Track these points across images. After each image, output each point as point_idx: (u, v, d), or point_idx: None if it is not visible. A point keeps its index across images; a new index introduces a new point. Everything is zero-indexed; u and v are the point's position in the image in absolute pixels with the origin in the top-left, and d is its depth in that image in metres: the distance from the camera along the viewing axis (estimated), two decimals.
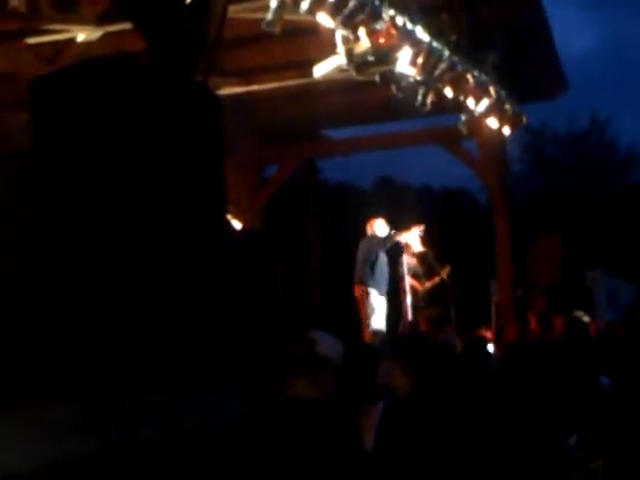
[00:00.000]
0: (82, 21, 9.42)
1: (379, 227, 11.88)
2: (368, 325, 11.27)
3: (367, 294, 11.45)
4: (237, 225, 10.13)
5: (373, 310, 11.37)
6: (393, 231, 11.82)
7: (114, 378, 3.74)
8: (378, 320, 11.34)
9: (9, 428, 3.04)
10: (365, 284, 11.48)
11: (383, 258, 11.70)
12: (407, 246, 12.32)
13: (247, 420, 3.57)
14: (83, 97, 4.44)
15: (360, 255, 11.73)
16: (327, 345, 4.15)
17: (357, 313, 11.72)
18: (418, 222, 12.24)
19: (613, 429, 3.76)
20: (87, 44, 9.84)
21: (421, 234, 11.99)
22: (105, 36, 9.69)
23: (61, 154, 4.37)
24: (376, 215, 12.15)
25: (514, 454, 3.80)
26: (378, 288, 11.49)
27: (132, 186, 4.35)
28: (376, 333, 10.68)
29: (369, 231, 11.92)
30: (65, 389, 3.60)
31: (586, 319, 9.47)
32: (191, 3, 7.26)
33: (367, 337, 10.89)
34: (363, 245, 11.80)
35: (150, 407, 3.75)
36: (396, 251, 12.22)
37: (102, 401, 3.54)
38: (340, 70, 10.68)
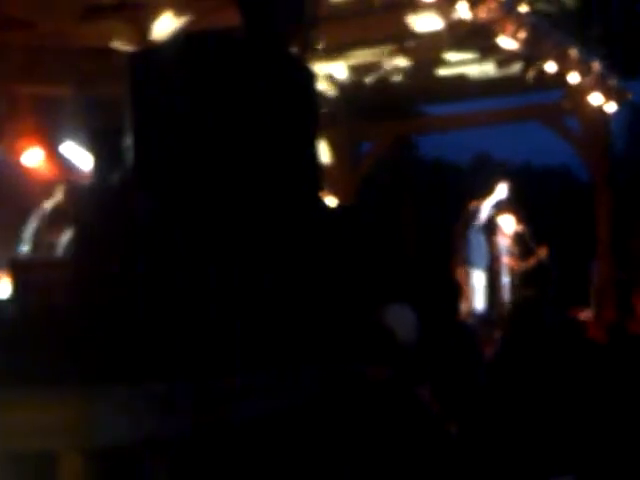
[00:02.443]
0: None
1: (477, 207, 11.75)
2: (471, 303, 11.19)
3: (468, 274, 11.37)
4: (332, 201, 10.08)
5: (475, 290, 11.29)
6: (489, 211, 11.68)
7: (211, 356, 3.71)
8: (480, 299, 11.26)
9: (111, 403, 3.07)
10: (466, 264, 11.40)
11: (480, 236, 11.59)
12: (499, 226, 12.17)
13: (330, 400, 3.53)
14: (182, 72, 4.41)
15: (458, 236, 11.63)
16: (403, 324, 4.09)
17: (452, 291, 11.57)
18: (516, 201, 12.04)
19: None
20: (179, 19, 9.85)
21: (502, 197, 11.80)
22: (197, 11, 9.69)
23: (160, 130, 4.35)
24: (475, 195, 12.00)
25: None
26: (479, 267, 11.41)
27: (230, 161, 4.30)
28: (473, 312, 10.59)
29: (466, 210, 11.79)
30: (165, 367, 3.59)
31: None
32: None
33: (464, 316, 10.78)
34: (460, 226, 11.70)
35: (245, 385, 3.71)
36: (491, 230, 12.06)
37: (197, 380, 3.52)
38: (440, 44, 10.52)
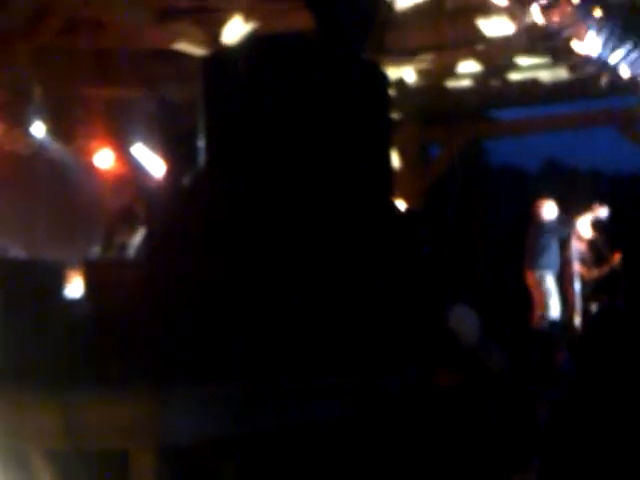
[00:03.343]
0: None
1: (548, 210, 11.61)
2: (544, 309, 11.06)
3: (543, 279, 11.25)
4: (401, 205, 10.03)
5: (550, 294, 11.18)
6: (568, 216, 11.55)
7: (287, 359, 3.71)
8: (555, 304, 11.13)
9: (182, 403, 3.10)
10: (540, 269, 11.28)
11: (555, 242, 11.47)
12: (577, 231, 12.01)
13: (400, 404, 3.51)
14: (256, 74, 4.43)
15: (532, 240, 11.51)
16: (467, 326, 4.05)
17: (523, 297, 11.50)
18: (589, 207, 11.87)
19: None
20: (249, 23, 9.88)
21: (601, 217, 11.64)
22: (266, 15, 9.71)
23: (234, 132, 4.36)
24: (544, 198, 11.87)
25: None
26: (553, 273, 11.29)
27: (304, 164, 4.30)
28: (544, 318, 10.45)
29: (538, 215, 11.66)
30: (242, 368, 3.61)
31: None
32: None
33: (535, 322, 10.67)
34: (534, 230, 11.57)
35: (322, 388, 3.71)
36: (564, 235, 11.92)
37: (275, 381, 3.52)
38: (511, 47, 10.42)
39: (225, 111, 4.41)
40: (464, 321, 4.18)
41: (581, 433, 3.62)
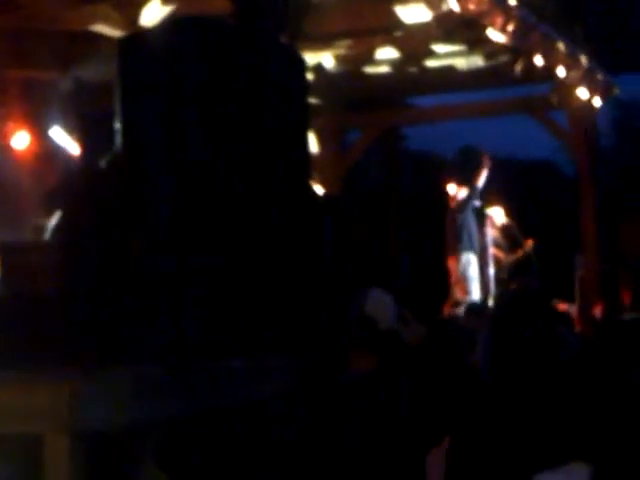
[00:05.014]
0: None
1: (461, 194, 11.80)
2: (467, 293, 11.21)
3: (468, 263, 11.41)
4: (319, 190, 10.07)
5: (472, 278, 11.34)
6: (473, 194, 11.75)
7: (197, 340, 3.71)
8: (476, 288, 11.31)
9: (96, 386, 3.07)
10: (465, 253, 11.44)
11: (474, 225, 11.65)
12: (490, 217, 12.23)
13: (313, 390, 3.54)
14: (174, 56, 4.39)
15: (451, 226, 11.66)
16: (382, 310, 4.10)
17: (442, 282, 11.67)
18: (501, 194, 12.10)
19: None
20: (168, 5, 9.81)
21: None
22: None
23: (150, 114, 4.33)
24: (456, 183, 12.06)
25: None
26: (475, 255, 11.46)
27: (219, 147, 4.29)
28: (460, 303, 10.61)
29: (452, 199, 11.84)
30: (153, 350, 3.59)
31: None
32: None
33: (448, 307, 10.83)
34: (451, 216, 11.73)
35: (231, 371, 3.71)
36: (479, 222, 12.12)
37: (185, 363, 3.52)
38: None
39: (141, 93, 4.37)
40: (380, 305, 4.23)
41: (488, 413, 3.70)
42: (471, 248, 11.54)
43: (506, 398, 3.66)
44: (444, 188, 12.29)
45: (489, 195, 12.31)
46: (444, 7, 9.42)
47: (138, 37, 4.71)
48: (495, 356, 3.90)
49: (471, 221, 11.75)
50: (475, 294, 11.33)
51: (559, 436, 3.18)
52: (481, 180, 11.92)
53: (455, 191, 11.95)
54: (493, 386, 3.81)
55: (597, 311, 10.81)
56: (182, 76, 4.17)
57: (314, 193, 7.21)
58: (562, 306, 10.72)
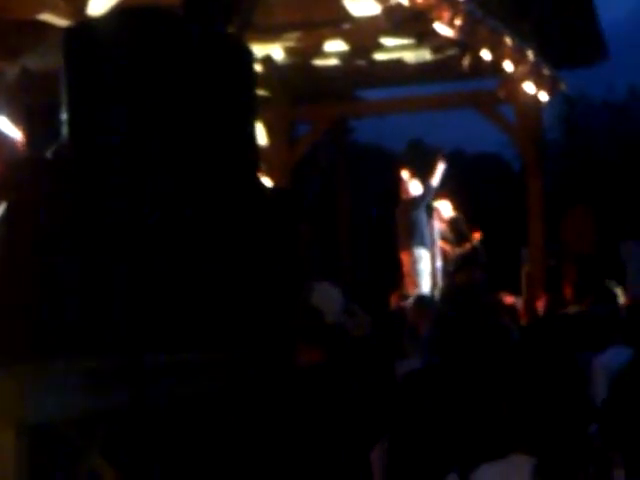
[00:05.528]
0: None
1: (414, 188, 11.85)
2: (417, 286, 11.26)
3: (420, 257, 11.46)
4: (267, 183, 10.05)
5: (423, 272, 11.39)
6: (428, 187, 11.82)
7: (137, 331, 3.69)
8: (427, 281, 11.36)
9: (42, 379, 3.05)
10: (417, 248, 11.48)
11: (424, 219, 11.71)
12: (437, 210, 12.31)
13: (255, 382, 3.54)
14: (120, 47, 4.35)
15: (402, 220, 11.70)
16: (330, 303, 4.11)
17: (389, 274, 11.73)
18: (449, 187, 12.19)
19: (633, 417, 3.67)
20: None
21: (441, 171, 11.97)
22: None
23: (96, 105, 4.29)
24: (409, 176, 12.12)
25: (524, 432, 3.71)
26: (426, 248, 11.51)
27: (163, 139, 4.26)
28: (407, 297, 10.66)
29: (406, 196, 11.89)
30: (98, 343, 3.56)
31: (617, 291, 9.34)
32: None
33: (396, 299, 10.87)
34: (402, 210, 11.77)
35: (174, 364, 3.70)
36: (427, 215, 12.19)
37: (126, 355, 3.50)
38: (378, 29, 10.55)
39: (87, 83, 4.33)
40: (326, 298, 4.24)
41: (429, 407, 3.73)
42: (423, 243, 11.59)
43: (447, 391, 3.70)
44: (396, 181, 12.34)
45: (442, 185, 12.38)
46: (392, 0, 9.45)
47: (84, 27, 4.66)
48: (439, 348, 3.93)
49: (423, 217, 11.82)
50: (425, 288, 11.38)
51: (499, 428, 3.21)
52: (436, 180, 12.00)
53: (408, 185, 12.00)
54: (435, 379, 3.84)
55: (540, 304, 10.92)
56: (127, 66, 4.14)
57: (262, 185, 7.20)
58: (509, 299, 10.81)
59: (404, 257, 11.67)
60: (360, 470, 3.92)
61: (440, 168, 12.00)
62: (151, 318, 3.74)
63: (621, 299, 10.23)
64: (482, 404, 3.60)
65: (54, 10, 10.00)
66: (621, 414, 4.39)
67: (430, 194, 11.97)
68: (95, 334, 3.54)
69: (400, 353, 4.63)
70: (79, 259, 3.71)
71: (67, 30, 4.54)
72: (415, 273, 11.47)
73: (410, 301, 8.33)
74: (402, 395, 4.20)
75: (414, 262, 11.50)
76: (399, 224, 11.83)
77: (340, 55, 12.61)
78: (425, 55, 12.23)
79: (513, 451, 3.09)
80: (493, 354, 4.07)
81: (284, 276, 5.19)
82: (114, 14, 5.95)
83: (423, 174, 12.39)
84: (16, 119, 10.28)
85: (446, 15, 9.83)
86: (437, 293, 11.19)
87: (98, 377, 3.26)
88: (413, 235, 11.57)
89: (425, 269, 11.52)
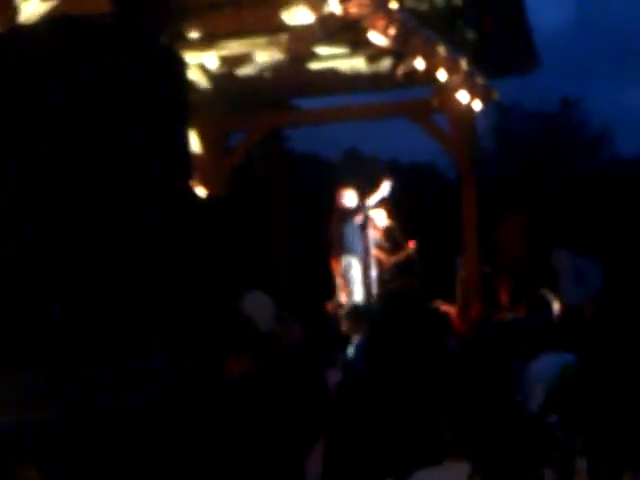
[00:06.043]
0: None
1: (349, 198, 11.88)
2: (349, 295, 11.29)
3: (349, 265, 11.48)
4: (202, 192, 9.99)
5: (354, 280, 11.42)
6: (364, 203, 11.85)
7: (69, 345, 3.63)
8: (358, 290, 11.39)
9: None
10: (346, 255, 11.51)
11: (357, 228, 11.75)
12: (372, 219, 12.34)
13: (189, 391, 3.51)
14: (52, 55, 4.30)
15: (335, 228, 11.73)
16: (262, 311, 4.10)
17: (324, 283, 11.72)
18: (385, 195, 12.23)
19: (592, 409, 3.72)
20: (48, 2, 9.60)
21: (385, 194, 12.01)
22: None
23: (21, 113, 4.23)
24: (343, 186, 12.14)
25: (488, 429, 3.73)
26: (357, 258, 11.55)
27: (94, 149, 4.22)
28: (341, 305, 10.68)
29: (339, 202, 11.91)
30: (25, 357, 3.51)
31: (551, 298, 9.44)
32: None
33: (331, 308, 10.87)
34: (337, 217, 11.80)
35: (104, 376, 3.65)
36: (362, 224, 12.21)
37: (58, 369, 3.44)
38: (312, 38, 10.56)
39: (16, 91, 4.27)
40: (258, 306, 4.22)
41: (369, 416, 3.73)
42: (353, 251, 11.63)
43: (380, 398, 3.69)
44: (332, 190, 12.35)
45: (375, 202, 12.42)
46: (326, 9, 9.47)
47: (14, 34, 4.60)
48: (370, 357, 3.93)
49: (355, 227, 11.86)
50: (357, 296, 11.42)
51: (433, 435, 3.22)
52: (374, 199, 12.05)
53: (342, 194, 12.03)
54: (367, 387, 3.84)
55: (474, 312, 11.01)
56: (56, 74, 4.09)
57: (194, 193, 7.15)
58: (444, 307, 10.86)
59: (334, 265, 11.71)
60: (294, 476, 3.91)
61: (383, 189, 12.05)
62: (83, 330, 3.69)
63: (555, 306, 10.35)
64: (416, 412, 3.60)
65: None
66: (584, 404, 4.42)
67: (365, 210, 12.01)
68: (28, 348, 3.49)
69: (330, 362, 4.62)
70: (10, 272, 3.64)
71: None
72: (347, 281, 11.51)
73: (343, 310, 8.33)
74: (337, 403, 4.19)
75: (344, 270, 11.54)
76: (331, 232, 11.85)
77: (274, 64, 12.59)
78: (359, 64, 12.27)
79: (448, 457, 3.10)
80: (427, 362, 4.07)
81: (217, 284, 5.16)
82: (45, 22, 5.88)
83: (358, 183, 12.43)
84: None
85: (380, 24, 9.86)
86: (372, 302, 11.22)
87: (33, 390, 3.21)
88: (343, 244, 11.62)
89: (356, 277, 11.56)
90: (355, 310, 7.89)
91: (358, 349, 5.33)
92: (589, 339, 4.94)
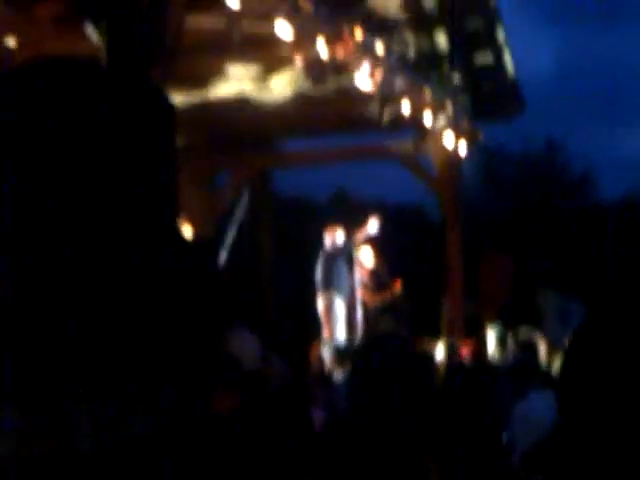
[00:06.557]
0: (36, 22, 9.30)
1: (337, 237, 11.99)
2: (331, 334, 11.35)
3: (332, 303, 11.55)
4: (189, 232, 10.06)
5: (337, 318, 11.48)
6: (351, 240, 11.96)
7: (51, 382, 3.66)
8: (341, 329, 11.44)
9: None
10: (329, 293, 11.58)
11: (343, 267, 11.83)
12: (358, 259, 12.42)
13: (170, 434, 3.55)
14: (34, 98, 4.36)
15: (321, 265, 11.81)
16: (247, 350, 4.14)
17: (312, 323, 11.77)
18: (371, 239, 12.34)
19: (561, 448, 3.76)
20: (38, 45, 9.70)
21: (371, 232, 12.12)
22: (56, 36, 9.56)
23: (7, 157, 4.27)
24: (332, 226, 12.25)
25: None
26: (342, 296, 11.61)
27: (82, 192, 4.26)
28: (325, 343, 10.75)
29: (328, 241, 12.00)
30: (7, 392, 3.53)
31: (536, 337, 9.53)
32: (148, 8, 7.19)
33: (315, 348, 10.91)
34: (324, 256, 11.88)
35: (86, 413, 3.67)
36: (348, 264, 12.30)
37: (39, 406, 3.46)
38: (297, 82, 10.67)
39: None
40: (244, 345, 4.26)
41: (350, 456, 3.75)
42: (338, 290, 11.72)
43: (365, 440, 3.73)
44: (319, 231, 12.46)
45: (367, 238, 12.53)
46: (313, 53, 9.59)
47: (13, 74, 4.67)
48: (355, 399, 3.97)
49: (341, 265, 11.95)
50: (340, 335, 11.47)
51: (419, 473, 3.26)
52: (359, 239, 12.19)
53: (331, 235, 12.15)
54: (352, 429, 3.87)
55: (465, 351, 11.06)
56: (42, 115, 4.16)
57: (181, 235, 7.20)
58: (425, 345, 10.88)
59: (319, 301, 11.79)
60: None
61: (368, 230, 12.18)
62: (68, 368, 3.73)
63: (540, 346, 10.41)
64: (403, 453, 3.64)
65: None
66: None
67: (350, 249, 12.12)
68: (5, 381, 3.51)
69: (312, 401, 4.67)
70: None
71: None
72: (330, 319, 11.57)
73: (326, 350, 8.39)
74: (322, 445, 4.22)
75: (327, 307, 11.61)
76: (319, 271, 11.93)
77: (262, 106, 12.72)
78: (347, 107, 12.39)
79: None
80: (413, 403, 4.12)
81: (204, 325, 5.19)
82: (31, 64, 5.95)
83: (346, 225, 12.54)
84: None
85: (366, 68, 10.00)
86: (356, 341, 11.27)
87: (8, 426, 3.23)
88: (329, 282, 11.70)
89: (339, 315, 11.62)
90: (337, 351, 7.94)
91: (340, 389, 5.38)
92: (563, 372, 5.00)
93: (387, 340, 5.38)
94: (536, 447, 4.16)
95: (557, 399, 3.64)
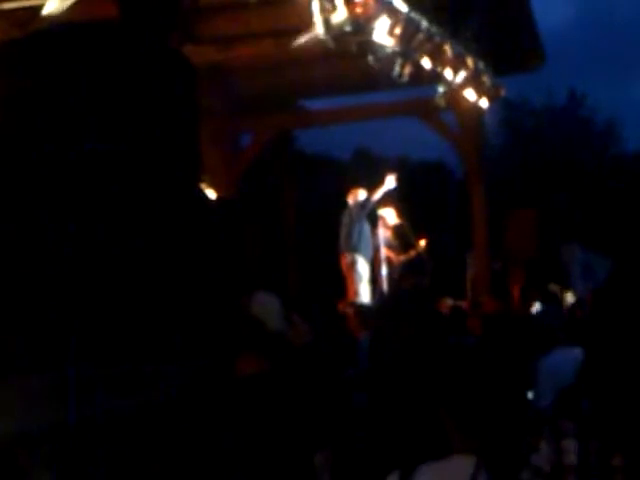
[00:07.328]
0: None
1: (359, 196, 11.96)
2: (356, 293, 11.35)
3: (354, 262, 11.55)
4: (212, 194, 10.07)
5: (361, 278, 11.48)
6: (371, 198, 11.93)
7: (79, 347, 3.69)
8: (365, 288, 11.43)
9: None
10: (352, 252, 11.57)
11: (366, 226, 11.81)
12: (382, 218, 12.40)
13: (196, 396, 3.56)
14: (56, 62, 4.36)
15: (344, 225, 11.80)
16: (270, 312, 4.13)
17: (337, 282, 11.79)
18: (393, 194, 12.29)
19: (586, 394, 3.75)
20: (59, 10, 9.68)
21: (391, 187, 12.08)
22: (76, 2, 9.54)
23: (33, 122, 4.29)
24: (355, 186, 12.22)
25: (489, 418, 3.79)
26: (365, 256, 11.60)
27: (104, 155, 4.27)
28: (352, 304, 10.76)
29: (351, 201, 11.98)
30: (32, 360, 3.56)
31: (561, 293, 9.51)
32: None
33: (342, 307, 10.93)
34: (346, 215, 11.87)
35: (118, 377, 3.70)
36: (373, 222, 12.28)
37: (69, 371, 3.49)
38: (318, 40, 10.59)
39: (18, 103, 4.33)
40: (265, 307, 4.25)
41: (373, 412, 3.77)
42: (359, 249, 11.70)
43: (386, 396, 3.75)
44: (343, 189, 12.44)
45: (388, 194, 12.47)
46: (332, 11, 9.53)
47: (19, 43, 4.68)
48: (375, 356, 3.98)
49: (364, 223, 11.93)
50: (364, 294, 11.48)
51: (439, 430, 3.27)
52: (378, 195, 12.11)
53: (355, 192, 12.12)
54: (373, 386, 3.89)
55: (489, 308, 11.06)
56: (64, 83, 4.16)
57: (205, 196, 7.20)
58: (448, 304, 10.85)
59: (342, 260, 11.79)
60: (305, 473, 3.96)
61: (386, 185, 12.11)
62: (94, 332, 3.76)
63: (565, 301, 10.39)
64: (422, 407, 3.66)
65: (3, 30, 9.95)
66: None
67: (370, 206, 12.07)
68: (38, 349, 3.54)
69: (344, 361, 4.70)
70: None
71: (2, 46, 4.54)
72: (353, 278, 11.57)
73: (350, 309, 8.41)
74: (345, 400, 4.24)
75: (350, 266, 11.61)
76: (342, 230, 11.93)
77: (282, 65, 12.67)
78: (366, 64, 12.32)
79: (454, 451, 3.14)
80: (434, 358, 4.13)
81: (226, 286, 5.21)
82: (52, 28, 5.95)
83: (368, 182, 12.50)
84: None
85: (386, 25, 9.92)
86: (380, 300, 11.28)
87: (40, 393, 3.25)
88: (350, 240, 11.68)
89: (363, 274, 11.61)
90: (362, 309, 7.94)
91: (364, 348, 5.39)
92: (587, 330, 4.99)
93: (406, 297, 5.40)
94: (564, 394, 4.16)
95: (584, 352, 3.65)
